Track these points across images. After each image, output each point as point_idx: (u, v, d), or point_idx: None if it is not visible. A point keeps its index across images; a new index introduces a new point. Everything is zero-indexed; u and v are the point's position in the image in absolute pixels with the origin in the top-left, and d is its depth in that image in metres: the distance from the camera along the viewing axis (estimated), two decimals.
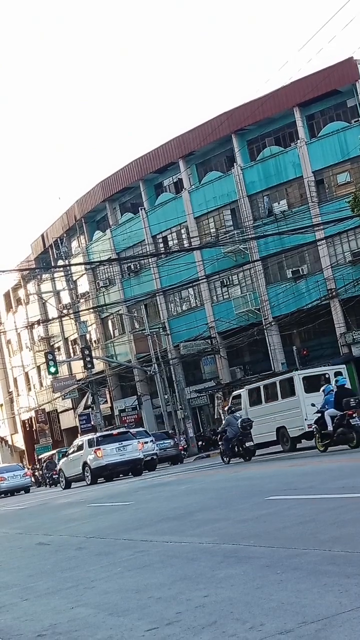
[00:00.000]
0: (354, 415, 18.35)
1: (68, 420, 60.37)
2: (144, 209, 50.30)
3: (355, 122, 40.57)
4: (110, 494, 20.73)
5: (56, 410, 61.94)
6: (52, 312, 57.20)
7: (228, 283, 45.50)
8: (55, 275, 55.79)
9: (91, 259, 53.30)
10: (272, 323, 43.00)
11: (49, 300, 57.31)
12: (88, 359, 42.08)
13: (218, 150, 47.33)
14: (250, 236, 41.51)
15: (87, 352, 42.44)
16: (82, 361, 43.32)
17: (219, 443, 25.48)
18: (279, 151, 43.29)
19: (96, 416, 46.98)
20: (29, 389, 68.38)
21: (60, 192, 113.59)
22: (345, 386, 20.06)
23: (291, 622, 4.44)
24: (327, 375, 23.58)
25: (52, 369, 41.98)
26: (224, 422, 25.86)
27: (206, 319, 46.05)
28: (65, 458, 31.80)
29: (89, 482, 28.46)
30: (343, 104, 42.06)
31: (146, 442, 31.99)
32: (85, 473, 28.82)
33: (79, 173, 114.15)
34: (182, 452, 38.93)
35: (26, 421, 68.64)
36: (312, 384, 22.66)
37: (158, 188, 51.35)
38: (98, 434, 31.61)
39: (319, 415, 19.57)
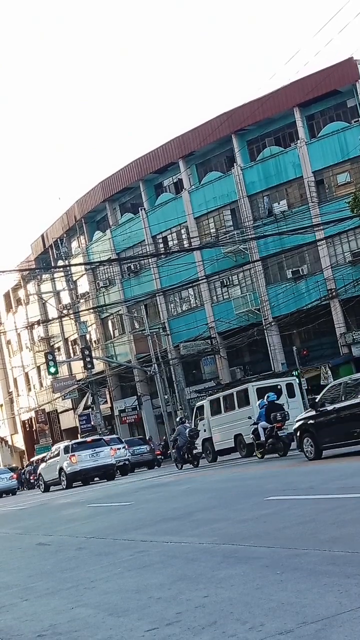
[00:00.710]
0: (282, 427, 20.95)
1: (68, 421, 60.38)
2: (144, 209, 50.31)
3: (355, 122, 40.57)
4: (109, 494, 20.74)
5: (56, 410, 61.93)
6: (52, 313, 57.20)
7: (228, 283, 45.50)
8: (55, 275, 55.79)
9: (91, 259, 53.31)
10: (272, 323, 43.00)
11: (49, 301, 57.30)
12: (88, 359, 42.09)
13: (218, 150, 47.33)
14: (250, 236, 41.51)
15: (87, 352, 42.45)
16: (82, 361, 43.33)
17: (172, 451, 27.20)
18: (279, 151, 43.29)
19: (96, 416, 47.00)
20: (29, 389, 68.37)
21: (60, 192, 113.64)
22: (275, 401, 22.26)
23: (291, 623, 4.44)
24: (279, 387, 25.23)
25: (52, 369, 42.00)
26: (175, 431, 27.70)
27: (206, 319, 46.04)
28: (44, 463, 33.87)
29: (64, 487, 30.16)
30: (343, 104, 42.07)
31: (119, 449, 33.81)
32: (62, 477, 30.65)
33: (79, 173, 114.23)
34: (160, 456, 40.11)
35: (26, 421, 68.65)
36: (264, 395, 23.82)
37: (158, 188, 51.36)
38: (73, 441, 33.50)
39: (255, 427, 22.20)
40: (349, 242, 40.35)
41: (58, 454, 31.45)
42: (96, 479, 31.16)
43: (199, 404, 30.80)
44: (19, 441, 71.38)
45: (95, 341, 54.64)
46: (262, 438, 21.72)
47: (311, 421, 17.44)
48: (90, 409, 50.31)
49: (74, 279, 51.94)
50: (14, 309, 69.97)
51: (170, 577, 6.53)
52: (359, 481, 11.17)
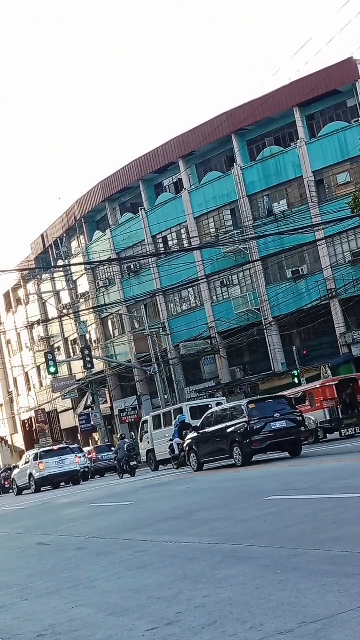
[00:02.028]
0: None
1: (68, 421, 60.38)
2: (144, 209, 50.30)
3: (355, 122, 40.57)
4: (110, 494, 20.75)
5: (56, 410, 61.92)
6: (52, 312, 57.20)
7: (228, 283, 45.50)
8: (55, 275, 55.80)
9: (91, 259, 53.29)
10: (272, 323, 43.00)
11: (49, 301, 57.30)
12: (88, 359, 42.08)
13: (218, 150, 47.33)
14: (250, 236, 41.51)
15: (87, 352, 42.44)
16: (82, 361, 43.33)
17: (115, 462, 31.33)
18: (279, 151, 43.29)
19: (96, 416, 47.00)
20: (29, 389, 68.37)
21: (60, 192, 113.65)
22: (186, 421, 26.85)
23: (291, 622, 4.44)
24: (210, 406, 27.79)
25: (52, 369, 42.02)
26: (116, 446, 31.36)
27: (206, 319, 46.04)
28: (18, 469, 37.50)
29: (33, 491, 33.66)
30: (343, 104, 42.07)
31: (80, 457, 36.83)
32: (31, 482, 33.96)
33: (79, 173, 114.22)
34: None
35: (26, 421, 68.63)
36: (196, 413, 27.76)
37: (158, 188, 51.36)
38: (42, 450, 37.16)
39: (170, 443, 27.02)
40: (349, 242, 40.35)
41: (29, 461, 34.76)
42: (62, 484, 34.35)
43: (144, 418, 34.43)
44: (19, 441, 71.36)
45: (95, 341, 54.64)
46: (177, 452, 26.44)
47: (195, 441, 21.78)
48: (90, 409, 50.32)
49: (74, 278, 51.95)
50: (14, 308, 69.96)
51: (170, 576, 6.53)
52: (358, 481, 11.17)
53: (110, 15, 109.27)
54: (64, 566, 8.49)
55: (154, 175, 51.01)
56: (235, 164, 44.94)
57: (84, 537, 10.99)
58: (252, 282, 44.44)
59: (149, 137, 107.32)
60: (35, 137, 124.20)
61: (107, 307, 50.99)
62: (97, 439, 52.08)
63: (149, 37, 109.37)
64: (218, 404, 27.37)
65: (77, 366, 50.26)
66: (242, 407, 20.49)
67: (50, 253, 60.30)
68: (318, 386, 25.86)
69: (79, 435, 57.31)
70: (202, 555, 7.30)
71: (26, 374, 68.71)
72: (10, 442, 74.56)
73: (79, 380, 51.99)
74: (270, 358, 43.34)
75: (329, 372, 39.11)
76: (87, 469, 38.03)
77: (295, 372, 39.07)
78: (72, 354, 57.16)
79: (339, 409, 24.70)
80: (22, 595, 7.24)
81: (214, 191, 45.94)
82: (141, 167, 50.79)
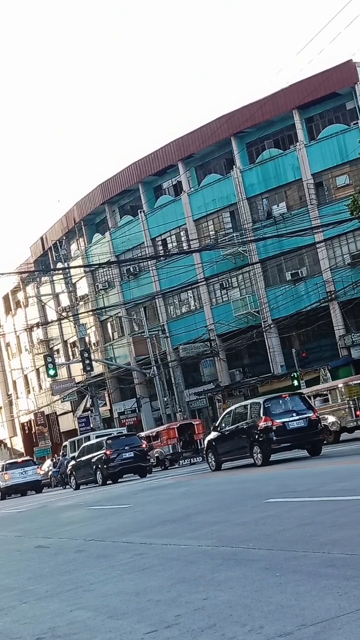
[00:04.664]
0: None
1: (67, 423, 60.31)
2: (143, 211, 50.32)
3: (354, 124, 40.61)
4: (109, 496, 20.73)
5: (55, 413, 61.87)
6: (52, 315, 57.17)
7: (227, 285, 45.51)
8: (55, 277, 55.76)
9: (90, 261, 53.28)
10: (272, 325, 43.01)
11: (48, 303, 57.27)
12: (87, 361, 42.05)
13: (217, 152, 47.35)
14: (249, 239, 41.53)
15: (86, 354, 42.41)
16: (81, 364, 43.30)
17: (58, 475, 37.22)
18: (278, 154, 43.31)
19: (95, 419, 46.97)
20: (28, 392, 68.32)
21: (60, 195, 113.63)
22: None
23: (290, 625, 4.44)
24: (112, 434, 32.84)
25: (51, 372, 42.01)
26: (59, 462, 37.52)
27: (205, 321, 46.04)
28: None
29: None
30: (342, 106, 42.11)
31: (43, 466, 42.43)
32: None
33: (79, 176, 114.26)
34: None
35: (25, 424, 68.56)
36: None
37: (157, 191, 51.38)
38: (8, 461, 42.59)
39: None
40: (348, 244, 40.37)
41: None
42: (28, 492, 38.84)
43: (64, 443, 42.03)
44: (18, 444, 71.28)
45: (94, 343, 54.61)
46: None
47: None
48: (89, 412, 50.27)
49: (73, 281, 51.96)
50: (13, 311, 69.92)
51: (169, 579, 6.53)
52: (357, 483, 11.16)
53: (109, 18, 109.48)
54: (63, 569, 8.48)
55: (153, 178, 51.04)
56: (234, 166, 44.97)
57: (83, 539, 10.98)
58: (252, 285, 44.44)
59: (148, 139, 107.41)
60: (35, 140, 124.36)
61: (107, 309, 51.00)
62: None
63: (148, 39, 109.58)
64: (119, 432, 36.13)
65: (77, 369, 50.22)
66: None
67: (50, 256, 60.30)
68: (164, 428, 33.90)
69: None
70: (201, 558, 7.29)
71: (25, 376, 68.68)
72: (9, 445, 74.48)
73: (78, 382, 51.96)
74: (270, 360, 43.34)
75: (329, 374, 39.08)
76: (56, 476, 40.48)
77: (295, 375, 39.06)
78: (71, 357, 57.14)
79: (179, 445, 32.06)
80: (21, 598, 7.23)
81: (213, 193, 45.96)
82: (140, 169, 50.82)
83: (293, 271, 42.06)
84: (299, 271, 41.85)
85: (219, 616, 4.96)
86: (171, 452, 32.01)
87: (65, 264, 52.80)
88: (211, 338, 46.01)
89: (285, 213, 41.92)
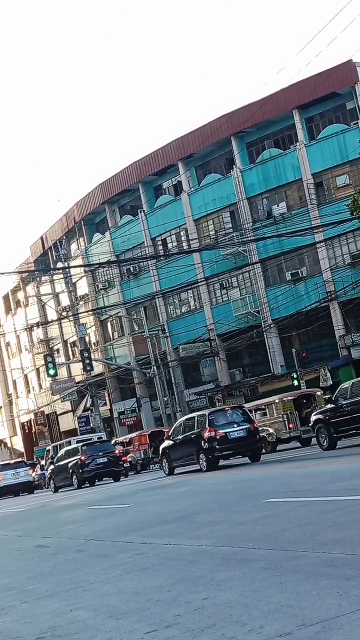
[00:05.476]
0: None
1: (67, 423, 60.32)
2: (143, 211, 50.32)
3: (354, 124, 40.62)
4: (109, 496, 20.73)
5: (55, 412, 61.89)
6: (52, 315, 57.17)
7: (227, 285, 45.51)
8: (55, 277, 55.76)
9: (90, 261, 53.28)
10: (272, 325, 43.01)
11: (48, 303, 57.26)
12: (87, 361, 42.06)
13: (217, 152, 47.35)
14: (249, 238, 41.53)
15: (86, 354, 42.42)
16: (81, 363, 43.31)
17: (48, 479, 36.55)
18: (278, 153, 43.31)
19: (95, 418, 46.99)
20: (28, 392, 68.32)
21: (60, 194, 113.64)
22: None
23: (290, 625, 4.43)
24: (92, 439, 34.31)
25: (51, 372, 42.01)
26: (47, 465, 38.71)
27: (205, 321, 46.04)
28: None
29: None
30: (342, 106, 42.11)
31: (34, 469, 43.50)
32: None
33: (79, 175, 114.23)
34: None
35: (25, 423, 68.58)
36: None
37: (157, 190, 51.37)
38: (0, 463, 43.46)
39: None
40: (348, 244, 40.37)
41: None
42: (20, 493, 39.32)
43: (47, 448, 44.40)
44: (18, 443, 71.31)
45: (94, 343, 54.61)
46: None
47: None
48: (89, 411, 50.29)
49: (73, 281, 51.93)
50: (13, 311, 69.92)
51: (169, 579, 6.53)
52: (357, 483, 11.16)
53: (109, 18, 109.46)
54: (63, 569, 8.47)
55: (153, 178, 51.03)
56: (234, 166, 44.97)
57: (83, 539, 10.97)
58: (252, 285, 44.45)
59: (148, 139, 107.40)
60: (35, 140, 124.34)
61: (107, 309, 50.99)
62: None
63: (148, 39, 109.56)
64: (99, 437, 37.52)
65: (77, 368, 50.22)
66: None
67: (50, 255, 60.29)
68: (136, 435, 36.25)
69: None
70: (201, 558, 7.29)
71: (25, 376, 68.67)
72: (9, 445, 74.50)
73: (78, 382, 51.96)
74: (270, 360, 43.34)
75: (328, 374, 39.11)
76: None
77: (295, 375, 39.05)
78: (71, 356, 57.14)
79: (150, 451, 33.92)
80: (21, 597, 7.23)
81: (213, 193, 45.95)
82: (140, 169, 50.81)
83: (293, 271, 42.06)
84: (299, 271, 41.85)
85: (219, 616, 4.96)
86: (142, 457, 34.77)
87: (65, 263, 52.82)
88: (211, 338, 46.01)
89: (285, 213, 41.92)
